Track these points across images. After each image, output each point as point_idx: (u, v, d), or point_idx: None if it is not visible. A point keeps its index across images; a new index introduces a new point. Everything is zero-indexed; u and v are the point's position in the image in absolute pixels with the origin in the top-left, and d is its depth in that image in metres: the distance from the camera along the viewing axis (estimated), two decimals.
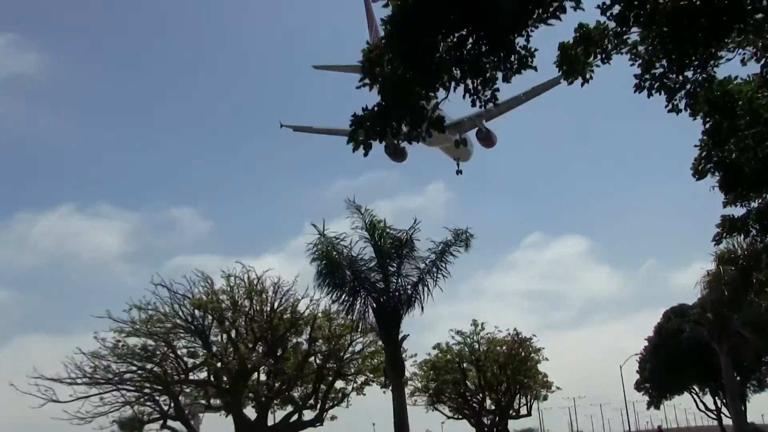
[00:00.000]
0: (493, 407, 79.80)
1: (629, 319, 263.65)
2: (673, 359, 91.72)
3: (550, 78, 50.87)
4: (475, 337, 79.35)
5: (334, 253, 39.21)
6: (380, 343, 47.96)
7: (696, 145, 27.04)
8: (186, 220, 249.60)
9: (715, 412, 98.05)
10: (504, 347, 79.22)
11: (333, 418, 60.92)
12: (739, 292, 54.95)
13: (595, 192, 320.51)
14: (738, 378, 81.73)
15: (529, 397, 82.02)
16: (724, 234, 30.67)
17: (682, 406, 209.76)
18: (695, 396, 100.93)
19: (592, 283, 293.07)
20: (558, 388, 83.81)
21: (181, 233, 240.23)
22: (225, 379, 54.43)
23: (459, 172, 73.19)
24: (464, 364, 78.65)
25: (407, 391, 59.66)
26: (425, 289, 38.84)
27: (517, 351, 79.04)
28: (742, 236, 31.83)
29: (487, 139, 69.35)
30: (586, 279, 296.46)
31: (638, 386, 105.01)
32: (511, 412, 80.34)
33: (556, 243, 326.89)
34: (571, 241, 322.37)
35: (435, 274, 39.33)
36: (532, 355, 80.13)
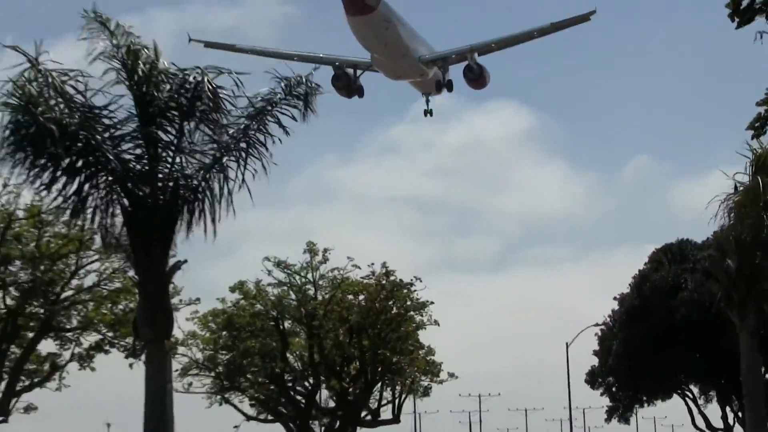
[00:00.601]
0: (332, 404, 76.20)
1: (594, 262, 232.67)
2: (659, 338, 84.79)
3: (580, 14, 62.49)
4: (309, 276, 73.72)
5: (54, 102, 31.52)
6: (131, 274, 38.10)
7: None
8: None
9: (723, 431, 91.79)
10: (361, 297, 74.20)
11: (28, 410, 60.84)
12: None
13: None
14: (767, 376, 76.70)
15: (398, 389, 77.79)
16: None
17: (669, 420, 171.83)
18: (691, 402, 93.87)
19: (534, 192, 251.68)
20: (452, 375, 78.88)
21: None
22: None
23: (429, 112, 73.18)
24: (286, 323, 73.76)
25: (176, 365, 65.31)
26: (225, 179, 32.17)
27: (383, 305, 73.36)
28: None
29: (478, 79, 68.80)
30: (525, 183, 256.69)
31: (594, 380, 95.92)
32: (364, 414, 75.92)
33: (476, 113, 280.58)
34: (503, 111, 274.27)
35: (244, 155, 32.46)
36: (411, 314, 74.63)
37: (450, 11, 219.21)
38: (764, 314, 54.28)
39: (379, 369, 73.27)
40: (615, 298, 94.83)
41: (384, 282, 72.58)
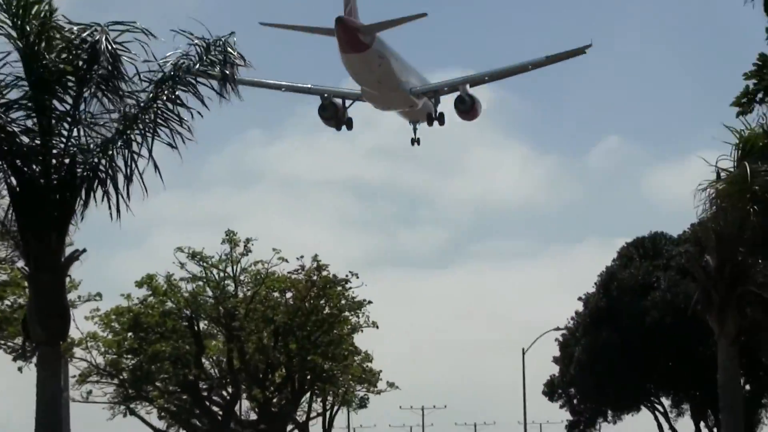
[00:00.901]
0: (253, 416, 76.44)
1: (556, 257, 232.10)
2: (627, 344, 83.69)
3: (577, 47, 69.91)
4: (228, 270, 73.89)
5: None
6: (21, 264, 38.69)
7: None
8: None
9: None
10: (289, 295, 75.37)
11: None
12: None
13: None
14: (747, 387, 79.89)
15: (330, 399, 79.22)
16: (760, 93, 31.98)
17: None
18: (662, 416, 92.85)
19: (490, 177, 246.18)
20: (392, 385, 79.83)
21: None
22: None
23: (416, 141, 79.52)
24: (201, 324, 74.47)
25: (74, 370, 65.80)
26: (131, 156, 30.68)
27: (314, 304, 74.43)
28: None
29: (469, 111, 74.07)
30: (480, 167, 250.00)
31: (553, 392, 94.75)
32: (290, 427, 76.63)
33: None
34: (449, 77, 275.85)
35: (153, 128, 30.75)
36: (346, 315, 75.88)
37: (444, 36, 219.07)
38: (746, 319, 53.22)
39: (308, 377, 73.59)
40: (579, 299, 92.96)
41: (315, 278, 72.83)
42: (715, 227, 48.54)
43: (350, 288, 74.20)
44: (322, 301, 73.64)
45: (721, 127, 44.46)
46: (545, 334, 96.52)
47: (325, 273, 73.40)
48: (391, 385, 78.58)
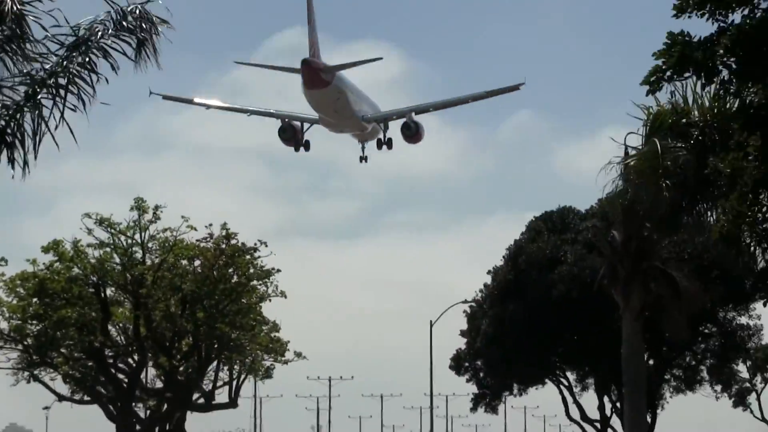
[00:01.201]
0: (159, 384, 76.63)
1: (467, 230, 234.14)
2: (534, 317, 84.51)
3: (513, 84, 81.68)
4: (136, 237, 73.76)
5: None
6: None
7: None
8: None
9: (599, 423, 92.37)
10: (197, 263, 75.20)
11: None
12: (684, 196, 44.72)
13: None
14: (652, 363, 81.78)
15: (237, 369, 78.99)
16: (669, 71, 32.07)
17: (541, 410, 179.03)
18: (566, 390, 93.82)
19: (401, 149, 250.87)
20: (299, 355, 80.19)
21: None
22: None
23: (364, 159, 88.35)
24: (108, 291, 74.19)
25: None
26: (40, 118, 28.22)
27: (222, 273, 74.28)
28: (703, 77, 32.62)
29: (414, 136, 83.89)
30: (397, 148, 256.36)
31: (459, 365, 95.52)
32: (196, 396, 76.59)
33: (339, 54, 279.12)
34: (370, 53, 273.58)
35: (63, 92, 28.33)
36: (254, 284, 75.91)
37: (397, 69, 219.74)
38: (651, 295, 53.33)
39: (215, 346, 73.04)
40: (488, 272, 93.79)
41: (224, 246, 72.40)
42: (623, 203, 49.04)
43: (259, 257, 74.18)
44: (230, 270, 73.35)
45: (632, 104, 45.03)
46: (453, 306, 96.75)
47: (233, 241, 73.02)
48: (298, 355, 78.92)
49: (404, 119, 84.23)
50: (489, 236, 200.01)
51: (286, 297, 75.29)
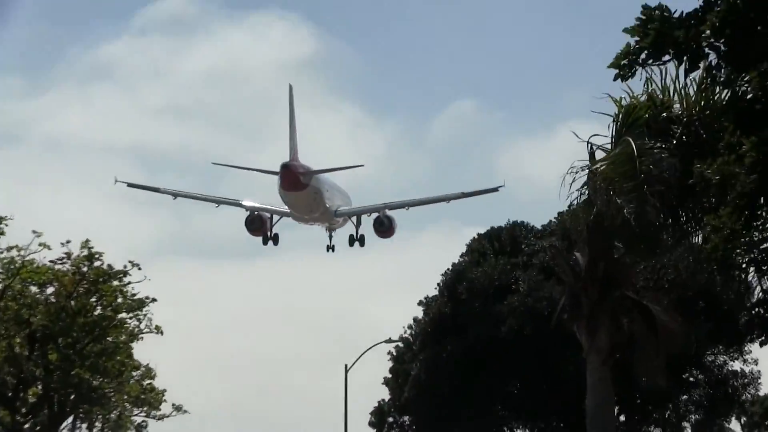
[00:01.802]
0: None
1: (393, 249, 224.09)
2: (477, 360, 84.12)
3: (492, 186, 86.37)
4: None
5: None
6: None
7: None
8: None
9: None
10: (50, 290, 72.02)
11: None
12: (662, 209, 44.25)
13: None
14: (623, 419, 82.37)
15: (99, 425, 77.23)
16: (643, 53, 33.14)
17: None
18: None
19: (313, 146, 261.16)
20: (179, 409, 77.20)
21: None
22: None
23: (331, 248, 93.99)
24: None
25: None
26: None
27: (82, 302, 71.40)
28: (686, 62, 33.47)
29: (387, 231, 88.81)
30: (301, 132, 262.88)
31: (382, 421, 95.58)
32: None
33: (234, 27, 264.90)
34: (274, 27, 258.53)
35: None
36: (123, 317, 73.32)
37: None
38: (622, 332, 50.20)
39: (72, 396, 70.87)
40: (419, 303, 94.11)
41: (85, 269, 70.68)
42: (587, 218, 46.52)
43: (129, 283, 72.24)
44: (93, 299, 71.08)
45: (598, 93, 43.00)
46: (375, 346, 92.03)
47: (98, 263, 70.56)
48: (177, 408, 76.46)
49: (377, 214, 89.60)
50: (420, 258, 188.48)
51: (162, 334, 73.69)
